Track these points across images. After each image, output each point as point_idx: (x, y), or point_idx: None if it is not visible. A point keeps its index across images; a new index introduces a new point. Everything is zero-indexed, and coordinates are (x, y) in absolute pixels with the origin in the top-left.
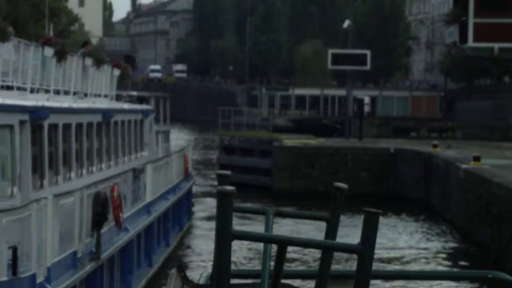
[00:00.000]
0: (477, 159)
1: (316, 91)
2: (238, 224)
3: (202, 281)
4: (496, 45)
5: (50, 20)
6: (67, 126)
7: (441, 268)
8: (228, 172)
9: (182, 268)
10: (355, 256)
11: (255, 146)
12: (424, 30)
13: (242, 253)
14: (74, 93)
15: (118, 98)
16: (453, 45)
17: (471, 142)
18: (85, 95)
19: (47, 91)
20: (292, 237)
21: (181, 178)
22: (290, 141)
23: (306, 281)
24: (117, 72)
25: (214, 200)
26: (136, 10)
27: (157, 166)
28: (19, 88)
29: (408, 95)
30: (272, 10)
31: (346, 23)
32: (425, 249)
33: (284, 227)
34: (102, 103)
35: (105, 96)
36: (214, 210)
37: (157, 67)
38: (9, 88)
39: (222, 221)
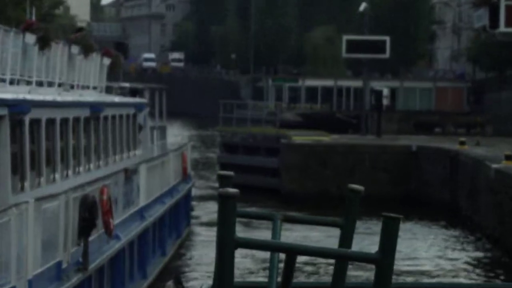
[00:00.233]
0: (509, 157)
1: (329, 82)
2: (242, 231)
3: None
4: None
5: (32, 3)
6: (51, 122)
7: (468, 280)
8: (230, 173)
9: (179, 280)
10: (372, 266)
11: (260, 143)
12: (450, 13)
13: (246, 263)
14: (59, 85)
15: (109, 90)
16: (482, 30)
17: (502, 138)
18: (72, 87)
19: (28, 83)
20: (302, 245)
21: (179, 180)
22: (300, 138)
23: None
24: (107, 61)
25: (215, 204)
26: None
27: (152, 166)
28: None
29: (432, 87)
30: None
31: (363, 6)
32: (451, 258)
33: (293, 234)
34: (91, 96)
35: (94, 88)
36: (216, 215)
37: (151, 55)
38: None
39: (224, 227)
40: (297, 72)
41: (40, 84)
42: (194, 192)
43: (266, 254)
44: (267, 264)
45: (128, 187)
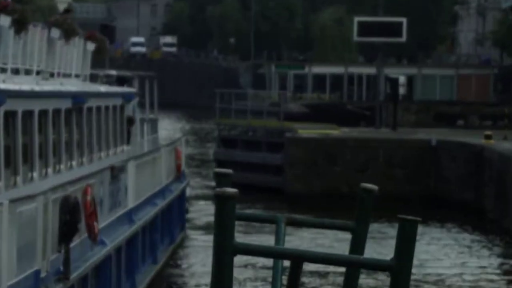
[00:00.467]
0: None
1: (338, 69)
2: (241, 235)
3: None
4: None
5: None
6: (28, 114)
7: None
8: (228, 171)
9: None
10: (387, 274)
11: (262, 137)
12: None
13: (246, 271)
14: (38, 73)
15: (93, 78)
16: (510, 11)
17: None
18: (51, 75)
19: (3, 70)
20: (308, 251)
21: (172, 178)
22: (306, 131)
23: None
24: (91, 46)
25: (213, 205)
26: None
27: (142, 163)
28: None
29: (454, 74)
30: None
31: None
32: (476, 267)
33: (299, 239)
34: (73, 85)
35: (77, 76)
36: (213, 218)
37: (140, 39)
38: None
39: (222, 231)
40: (303, 58)
41: (16, 72)
42: (189, 192)
43: (269, 262)
44: (270, 273)
45: (114, 186)
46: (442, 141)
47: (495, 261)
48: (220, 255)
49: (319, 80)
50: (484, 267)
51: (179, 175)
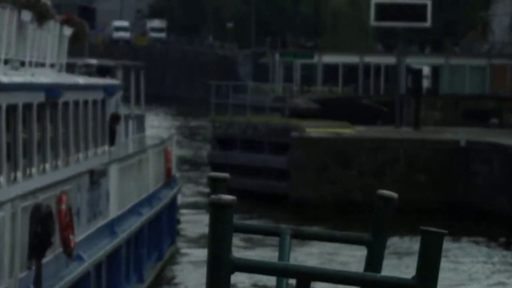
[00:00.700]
0: None
1: (352, 59)
2: (240, 250)
3: None
4: None
5: None
6: None
7: None
8: (225, 175)
9: None
10: None
11: (264, 137)
12: None
13: None
14: (5, 62)
15: (70, 68)
16: None
17: None
18: (22, 64)
19: None
20: (316, 268)
21: (161, 184)
22: (315, 130)
23: None
24: (68, 30)
25: (207, 215)
26: None
27: (126, 166)
28: None
29: (486, 64)
30: None
31: None
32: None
33: (307, 255)
34: (46, 76)
35: (51, 65)
36: (207, 230)
37: (124, 23)
38: None
39: (218, 244)
40: (312, 46)
41: None
42: (181, 200)
43: (271, 280)
44: None
45: (94, 193)
46: (473, 142)
47: None
48: (215, 272)
49: (331, 71)
50: None
51: (169, 181)
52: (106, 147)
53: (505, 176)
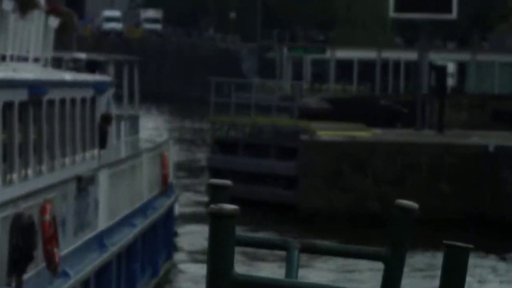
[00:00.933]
0: None
1: (369, 54)
2: (242, 265)
3: None
4: None
5: None
6: None
7: None
8: (226, 182)
9: None
10: None
11: (270, 140)
12: None
13: None
14: None
15: (56, 63)
16: None
17: None
18: (2, 58)
19: None
20: (328, 286)
21: (157, 192)
22: (328, 132)
23: None
24: (54, 21)
25: (207, 226)
26: None
27: (118, 172)
28: None
29: None
30: None
31: None
32: None
33: (317, 271)
34: (30, 72)
35: (35, 60)
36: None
37: (116, 13)
38: None
39: (218, 259)
40: (324, 39)
41: None
42: (178, 210)
43: None
44: None
45: (82, 202)
46: (503, 147)
47: None
48: None
49: (344, 67)
50: None
51: (165, 188)
52: (96, 151)
53: None
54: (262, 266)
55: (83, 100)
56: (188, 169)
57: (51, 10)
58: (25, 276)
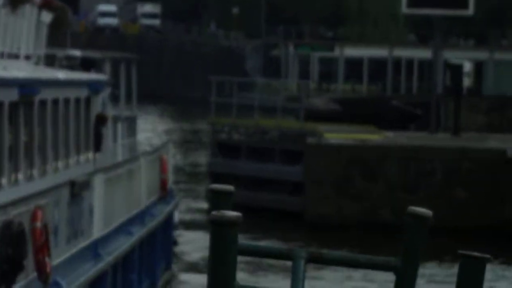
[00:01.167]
0: None
1: (380, 52)
2: (245, 276)
3: None
4: None
5: None
6: None
7: None
8: (229, 187)
9: None
10: None
11: (274, 143)
12: None
13: None
14: None
15: (49, 60)
16: None
17: None
18: None
19: None
20: None
21: (155, 198)
22: (336, 135)
23: None
24: (47, 16)
25: (208, 234)
26: None
27: (114, 177)
28: None
29: None
30: None
31: None
32: None
33: (325, 282)
34: (21, 70)
35: (27, 57)
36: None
37: (111, 8)
38: None
39: (219, 269)
40: (332, 36)
41: None
42: (178, 217)
43: None
44: None
45: (75, 209)
46: None
47: None
48: None
49: (354, 66)
50: None
51: (164, 194)
52: (91, 154)
53: None
54: (266, 277)
55: (78, 100)
56: (187, 173)
57: (44, 5)
58: (15, 287)
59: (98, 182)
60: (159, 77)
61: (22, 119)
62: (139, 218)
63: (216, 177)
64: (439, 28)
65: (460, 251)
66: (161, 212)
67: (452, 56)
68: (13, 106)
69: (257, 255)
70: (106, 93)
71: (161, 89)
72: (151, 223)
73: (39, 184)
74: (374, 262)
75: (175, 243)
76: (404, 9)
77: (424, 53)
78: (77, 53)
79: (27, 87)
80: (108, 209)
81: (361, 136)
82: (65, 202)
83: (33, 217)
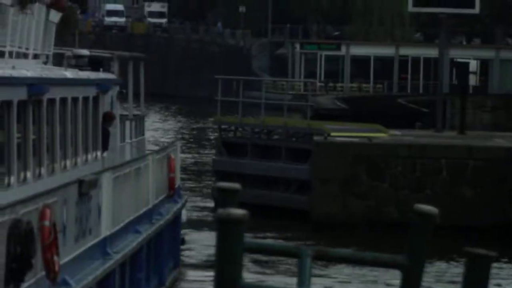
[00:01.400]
0: None
1: (387, 50)
2: (252, 274)
3: None
4: None
5: None
6: None
7: None
8: (235, 185)
9: None
10: None
11: (281, 142)
12: None
13: None
14: None
15: (57, 60)
16: None
17: None
18: (1, 54)
19: None
20: None
21: (163, 197)
22: (342, 134)
23: None
24: (56, 16)
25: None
26: None
27: (122, 176)
28: None
29: None
30: None
31: None
32: None
33: (331, 280)
34: (30, 69)
35: (35, 56)
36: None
37: (118, 7)
38: None
39: (226, 267)
40: (338, 34)
41: None
42: (186, 216)
43: None
44: None
45: (83, 208)
46: None
47: None
48: None
49: (360, 64)
50: None
51: (172, 193)
52: (99, 153)
53: None
54: (273, 274)
55: (86, 99)
56: (193, 172)
57: (53, 4)
58: (23, 286)
59: (106, 181)
60: (165, 76)
61: (30, 118)
62: (147, 216)
63: (222, 175)
64: (445, 27)
65: (466, 249)
66: (169, 211)
67: (458, 54)
68: (22, 105)
69: (263, 252)
70: (114, 92)
71: (168, 88)
72: (159, 222)
73: (48, 183)
74: (380, 260)
75: (182, 242)
76: (410, 7)
77: (430, 52)
78: (85, 52)
79: (35, 86)
80: (116, 207)
81: (367, 134)
82: (73, 200)
83: (42, 216)
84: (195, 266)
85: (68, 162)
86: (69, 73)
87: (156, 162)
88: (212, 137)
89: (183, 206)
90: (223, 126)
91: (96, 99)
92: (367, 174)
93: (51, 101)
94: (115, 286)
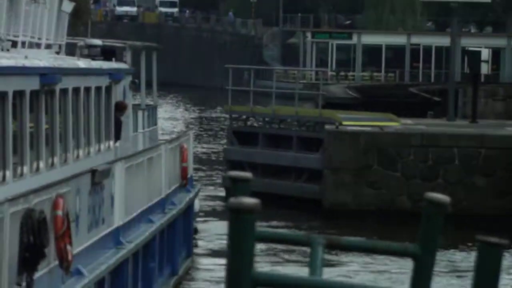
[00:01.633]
0: None
1: (398, 39)
2: (264, 263)
3: None
4: None
5: None
6: None
7: None
8: (247, 175)
9: None
10: None
11: (292, 131)
12: None
13: None
14: None
15: (70, 49)
16: None
17: None
18: (13, 44)
19: None
20: (354, 284)
21: (176, 187)
22: (354, 123)
23: None
24: (68, 5)
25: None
26: None
27: (134, 166)
28: None
29: None
30: None
31: None
32: None
33: (343, 268)
34: (42, 59)
35: (48, 46)
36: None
37: None
38: None
39: (238, 256)
40: (349, 23)
41: None
42: (199, 205)
43: None
44: None
45: (96, 197)
46: None
47: None
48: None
49: (372, 53)
50: None
51: (185, 183)
52: (111, 143)
53: None
54: (284, 263)
55: (98, 89)
56: (205, 161)
57: None
58: (36, 275)
59: (119, 170)
60: (177, 66)
61: (43, 108)
62: (160, 206)
63: (233, 165)
64: (457, 15)
65: (478, 237)
66: (182, 201)
67: (470, 43)
68: (35, 94)
69: (275, 241)
70: (127, 81)
71: (179, 77)
72: (172, 212)
73: (61, 173)
74: (391, 248)
75: (195, 231)
76: None
77: (442, 40)
78: (98, 42)
79: (48, 76)
80: (129, 197)
81: (379, 123)
82: (86, 190)
83: (55, 205)
84: (208, 255)
85: (80, 152)
86: (82, 63)
87: (169, 152)
88: (223, 127)
89: (195, 195)
90: (234, 115)
91: (108, 89)
92: (378, 163)
93: (64, 91)
94: (128, 276)
